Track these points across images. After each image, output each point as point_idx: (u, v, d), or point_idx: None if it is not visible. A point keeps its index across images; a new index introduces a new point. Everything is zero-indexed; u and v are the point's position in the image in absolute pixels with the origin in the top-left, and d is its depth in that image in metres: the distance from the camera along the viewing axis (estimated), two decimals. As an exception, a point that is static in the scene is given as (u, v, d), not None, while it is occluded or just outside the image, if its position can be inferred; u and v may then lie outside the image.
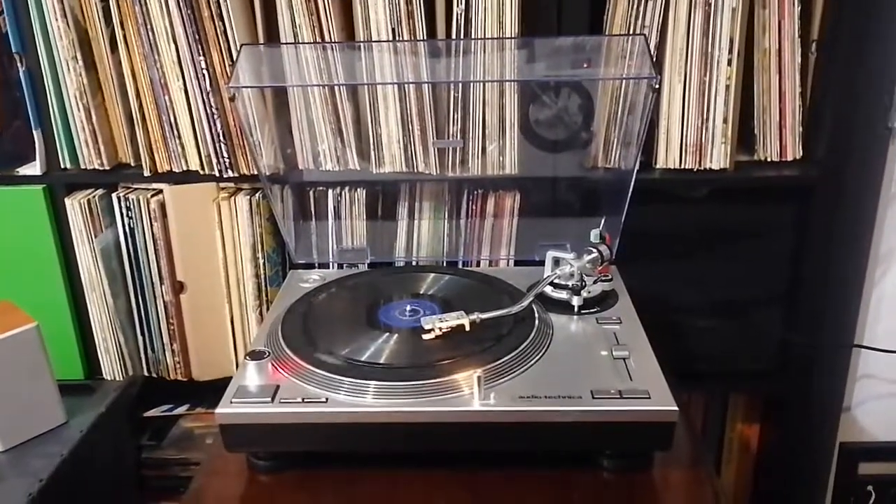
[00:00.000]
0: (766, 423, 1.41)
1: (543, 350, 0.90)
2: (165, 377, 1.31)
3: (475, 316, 0.91)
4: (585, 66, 1.11)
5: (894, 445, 1.39)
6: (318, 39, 1.10)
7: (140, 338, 1.28)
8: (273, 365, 0.87)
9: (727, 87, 1.11)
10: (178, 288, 1.25)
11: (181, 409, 1.39)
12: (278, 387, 0.84)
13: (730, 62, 1.10)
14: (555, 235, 1.15)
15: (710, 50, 1.10)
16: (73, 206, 1.20)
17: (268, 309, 1.24)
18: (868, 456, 1.39)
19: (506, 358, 0.86)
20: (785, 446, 1.36)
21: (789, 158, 1.17)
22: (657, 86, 0.99)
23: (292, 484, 0.85)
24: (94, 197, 1.21)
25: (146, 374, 1.31)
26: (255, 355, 0.87)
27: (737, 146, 1.16)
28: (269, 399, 0.82)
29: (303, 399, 0.82)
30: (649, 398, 0.81)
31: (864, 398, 1.38)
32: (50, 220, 1.21)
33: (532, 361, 0.88)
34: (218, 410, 0.82)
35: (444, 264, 1.21)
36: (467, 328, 0.90)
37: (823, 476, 1.39)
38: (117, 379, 1.29)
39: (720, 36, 1.09)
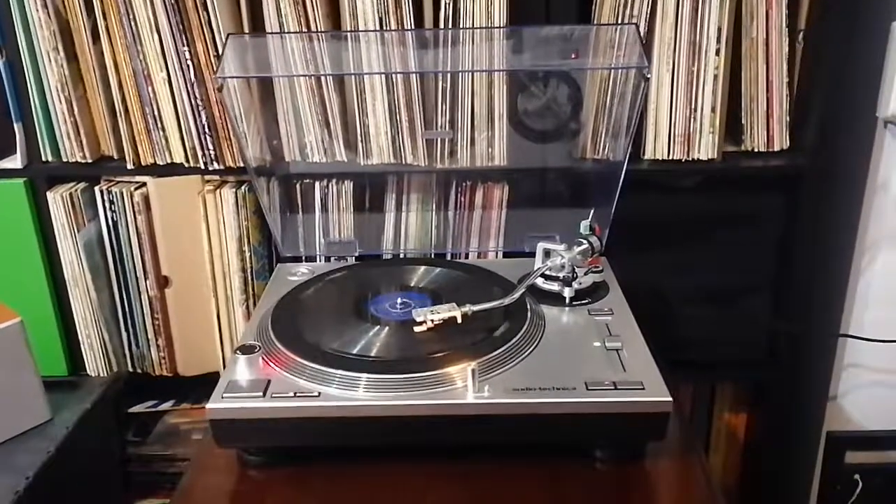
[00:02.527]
0: (754, 412, 1.41)
1: (536, 342, 0.90)
2: (150, 373, 1.29)
3: (467, 308, 0.90)
4: (574, 56, 1.11)
5: (881, 434, 1.41)
6: (304, 30, 1.08)
7: (124, 333, 1.26)
8: (264, 359, 0.86)
9: (715, 76, 1.11)
10: (163, 282, 1.23)
11: (166, 405, 1.37)
12: (269, 381, 0.83)
13: (718, 52, 1.10)
14: (544, 227, 1.14)
15: (698, 39, 1.10)
16: (56, 199, 1.18)
17: (254, 303, 1.23)
18: (855, 444, 1.40)
19: (499, 350, 0.86)
20: (772, 435, 1.37)
21: (776, 148, 1.17)
22: (649, 75, 0.99)
23: (284, 479, 0.84)
24: (76, 190, 1.19)
25: (130, 370, 1.29)
26: (245, 349, 0.86)
27: (724, 136, 1.16)
28: (261, 393, 0.81)
29: (295, 393, 0.81)
30: (643, 389, 0.81)
31: (851, 387, 1.39)
32: (31, 214, 1.19)
33: (525, 353, 0.87)
34: (209, 405, 0.81)
35: (433, 256, 1.20)
36: (459, 320, 0.90)
37: (810, 465, 1.40)
38: (101, 375, 1.27)
39: (708, 25, 1.09)
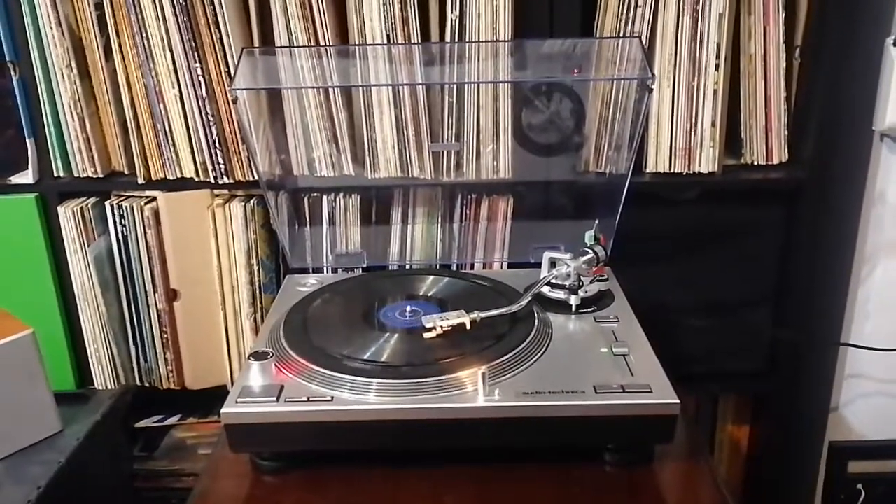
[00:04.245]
0: (756, 423, 1.43)
1: (544, 348, 0.91)
2: (158, 386, 1.30)
3: (476, 314, 0.92)
4: (576, 72, 1.13)
5: (883, 443, 1.42)
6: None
7: (133, 347, 1.27)
8: (276, 366, 0.87)
9: (715, 91, 1.14)
10: (172, 296, 1.25)
11: (173, 420, 1.38)
12: (282, 386, 0.84)
13: (717, 67, 1.13)
14: (548, 239, 1.16)
15: (697, 55, 1.13)
16: (66, 214, 1.20)
17: (262, 316, 1.24)
18: (857, 454, 1.41)
19: (508, 355, 0.87)
20: (775, 446, 1.38)
21: (775, 161, 1.19)
22: (653, 85, 1.01)
23: (297, 484, 0.85)
24: (87, 205, 1.21)
25: (138, 383, 1.30)
26: (258, 356, 0.87)
27: (724, 150, 1.18)
28: (275, 398, 0.82)
29: (308, 398, 0.82)
30: (651, 392, 0.83)
31: (852, 397, 1.40)
32: (42, 228, 1.21)
33: (533, 359, 0.89)
34: (224, 410, 0.82)
35: (438, 268, 1.22)
36: (468, 327, 0.91)
37: (813, 475, 1.41)
38: (109, 388, 1.27)
39: (708, 41, 1.12)
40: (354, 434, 0.82)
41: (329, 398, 0.82)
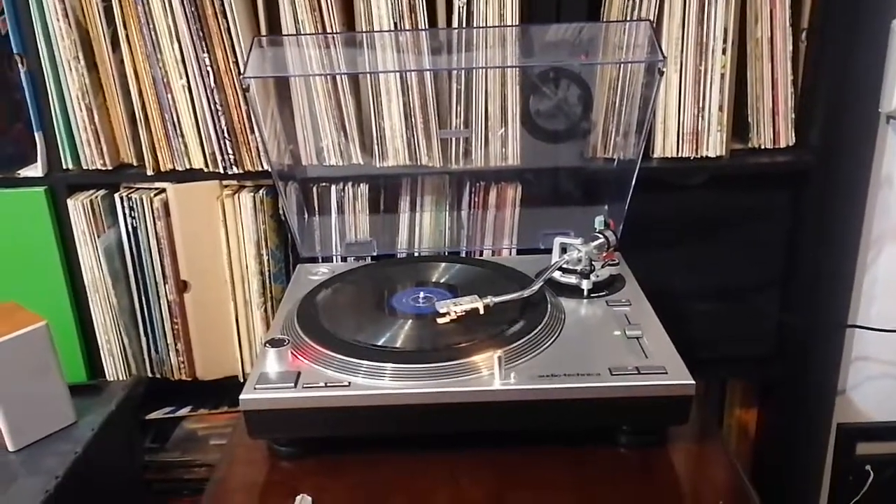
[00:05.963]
0: (764, 407, 1.43)
1: (558, 332, 0.92)
2: (169, 377, 1.30)
3: (489, 299, 0.92)
4: (583, 57, 1.13)
5: (891, 425, 1.43)
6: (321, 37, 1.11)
7: (144, 338, 1.28)
8: (293, 352, 0.87)
9: (722, 75, 1.14)
10: (182, 287, 1.25)
11: (183, 411, 1.38)
12: (299, 373, 0.85)
13: (724, 51, 1.13)
14: (557, 225, 1.16)
15: (704, 39, 1.13)
16: (76, 206, 1.20)
17: (272, 306, 1.25)
18: (865, 436, 1.42)
19: (522, 339, 0.88)
20: (783, 430, 1.39)
21: (782, 145, 1.19)
22: (664, 68, 1.01)
23: (313, 469, 0.85)
24: (96, 197, 1.21)
25: (149, 375, 1.30)
26: (274, 343, 0.87)
27: (731, 134, 1.19)
28: (293, 384, 0.83)
29: (326, 383, 0.83)
30: (666, 373, 0.83)
31: (860, 380, 1.41)
32: (52, 221, 1.21)
33: (547, 343, 0.89)
34: (242, 397, 0.82)
35: (446, 255, 1.22)
36: (481, 312, 0.92)
37: (821, 457, 1.42)
38: (121, 380, 1.28)
39: (714, 25, 1.12)
40: (372, 419, 0.83)
41: (346, 383, 0.83)
